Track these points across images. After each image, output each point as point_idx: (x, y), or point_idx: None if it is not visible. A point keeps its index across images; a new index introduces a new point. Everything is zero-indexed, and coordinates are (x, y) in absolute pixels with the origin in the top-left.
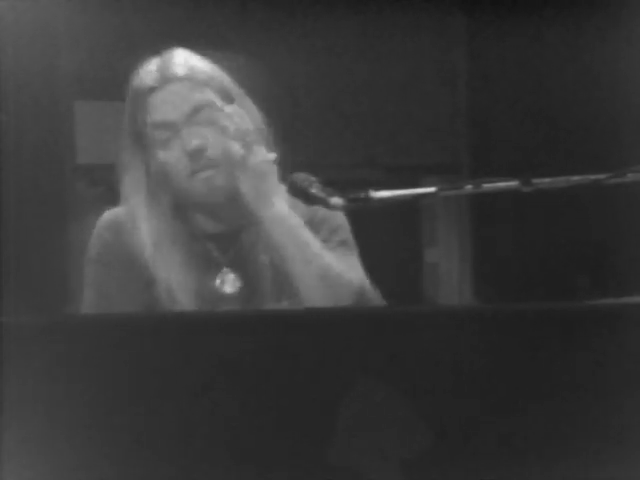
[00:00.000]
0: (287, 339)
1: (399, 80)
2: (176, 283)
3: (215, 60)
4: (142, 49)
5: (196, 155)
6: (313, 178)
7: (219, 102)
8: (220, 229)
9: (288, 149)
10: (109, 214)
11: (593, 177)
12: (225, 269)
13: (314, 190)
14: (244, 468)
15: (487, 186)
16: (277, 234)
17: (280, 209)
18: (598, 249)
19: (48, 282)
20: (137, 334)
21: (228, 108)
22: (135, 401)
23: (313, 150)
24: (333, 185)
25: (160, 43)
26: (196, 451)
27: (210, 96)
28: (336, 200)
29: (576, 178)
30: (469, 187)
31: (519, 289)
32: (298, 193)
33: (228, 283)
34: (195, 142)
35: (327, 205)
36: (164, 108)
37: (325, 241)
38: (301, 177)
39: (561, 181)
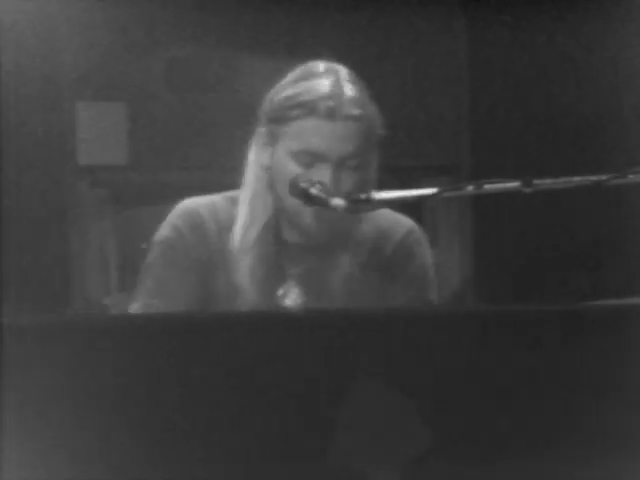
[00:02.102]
0: (287, 339)
1: (400, 80)
2: (247, 278)
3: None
4: (142, 49)
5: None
6: (314, 179)
7: (365, 157)
8: (298, 240)
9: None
10: (187, 203)
11: (594, 178)
12: (291, 282)
13: (315, 191)
14: (244, 468)
15: (488, 187)
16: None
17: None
18: (598, 249)
19: (48, 282)
20: (137, 334)
21: (363, 168)
22: (135, 401)
23: None
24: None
25: (160, 43)
26: (196, 451)
27: (363, 149)
28: (337, 201)
29: (577, 179)
30: (470, 188)
31: (519, 289)
32: (299, 194)
33: (290, 296)
34: (332, 183)
35: (328, 206)
36: (324, 141)
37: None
38: (302, 178)
39: (562, 182)
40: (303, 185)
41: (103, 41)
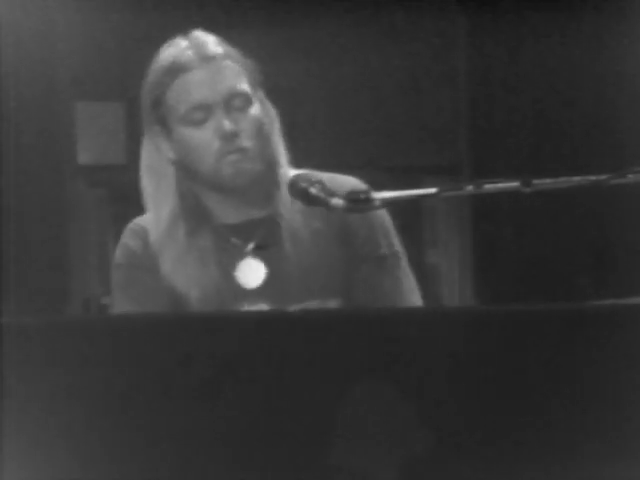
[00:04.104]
0: (286, 339)
1: (400, 81)
2: (192, 282)
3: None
4: (142, 49)
5: (228, 138)
6: (313, 179)
7: (251, 94)
8: (239, 219)
9: (288, 150)
10: (135, 221)
11: (593, 178)
12: (247, 259)
13: (314, 191)
14: (244, 468)
15: (488, 187)
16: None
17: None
18: (598, 249)
19: (48, 282)
20: (137, 334)
21: (255, 107)
22: (135, 401)
23: (313, 151)
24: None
25: (159, 43)
26: (196, 451)
27: (245, 87)
28: (336, 201)
29: (576, 179)
30: (470, 188)
31: (519, 289)
32: (298, 194)
33: (250, 274)
34: (229, 126)
35: (327, 206)
36: (201, 89)
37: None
38: (301, 177)
39: (562, 182)
40: (302, 185)
41: (102, 41)
